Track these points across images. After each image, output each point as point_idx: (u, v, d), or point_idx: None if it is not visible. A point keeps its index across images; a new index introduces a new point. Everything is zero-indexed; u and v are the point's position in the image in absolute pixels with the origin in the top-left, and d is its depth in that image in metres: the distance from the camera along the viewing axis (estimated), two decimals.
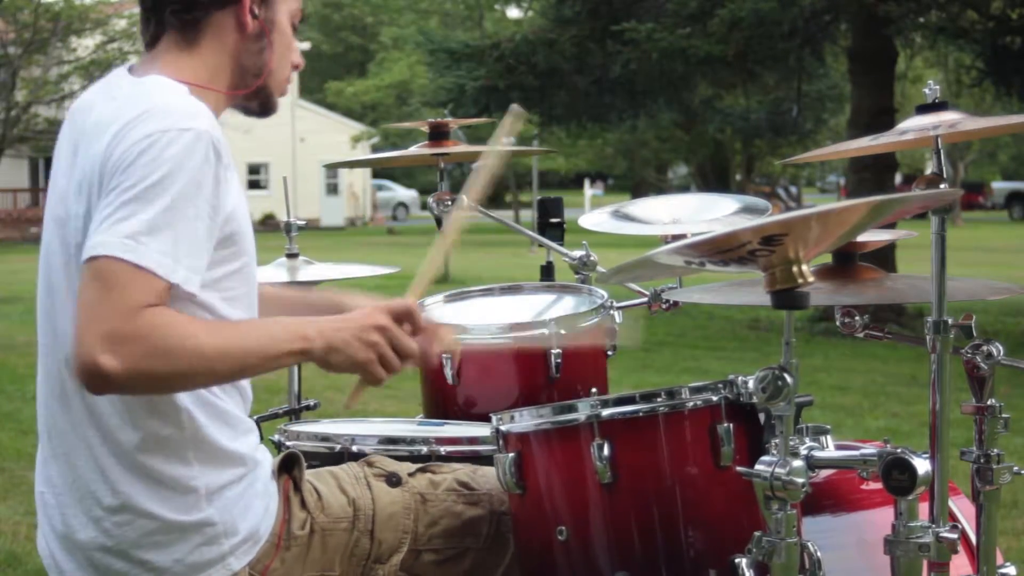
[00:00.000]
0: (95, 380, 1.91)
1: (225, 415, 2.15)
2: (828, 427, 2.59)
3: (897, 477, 2.12)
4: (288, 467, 2.31)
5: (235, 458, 2.17)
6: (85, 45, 25.49)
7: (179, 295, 1.98)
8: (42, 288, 2.18)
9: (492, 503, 2.49)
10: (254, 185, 39.06)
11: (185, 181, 1.98)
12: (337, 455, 2.64)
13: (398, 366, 2.14)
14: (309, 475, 2.35)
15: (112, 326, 1.89)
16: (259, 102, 2.30)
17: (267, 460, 2.27)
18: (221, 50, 2.21)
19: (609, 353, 3.20)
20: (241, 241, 2.13)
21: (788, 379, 2.10)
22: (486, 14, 37.52)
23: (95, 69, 24.45)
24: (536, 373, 3.00)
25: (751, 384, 2.30)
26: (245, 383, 2.22)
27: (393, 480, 2.43)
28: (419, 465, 2.51)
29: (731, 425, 2.33)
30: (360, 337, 2.09)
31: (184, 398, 2.09)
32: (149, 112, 2.03)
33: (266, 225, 31.18)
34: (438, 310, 3.24)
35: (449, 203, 3.45)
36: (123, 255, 1.92)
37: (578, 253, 3.43)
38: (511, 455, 2.41)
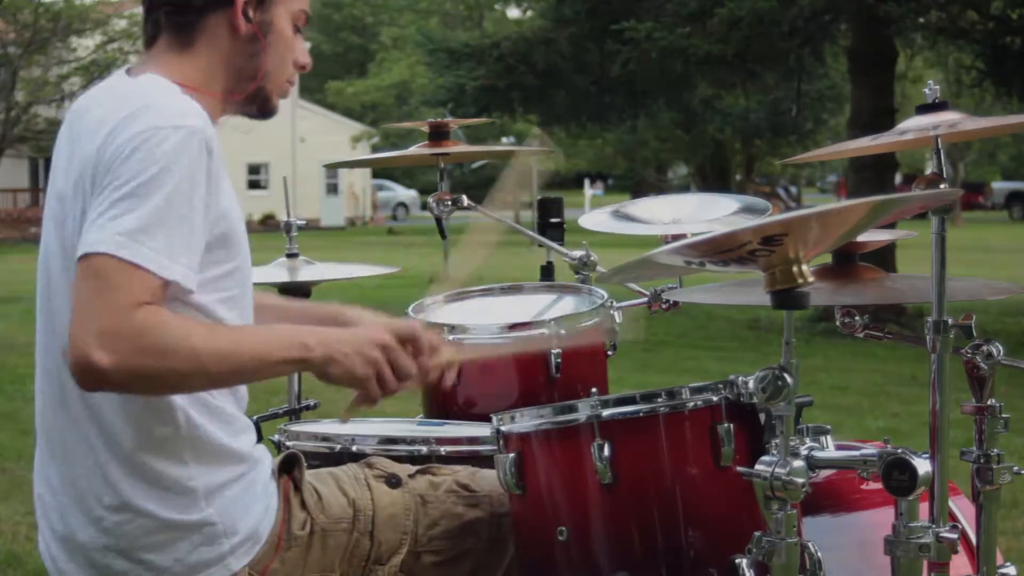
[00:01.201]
0: (88, 376, 1.91)
1: (220, 413, 2.15)
2: (828, 427, 2.59)
3: (897, 477, 2.13)
4: (288, 467, 2.31)
5: (232, 456, 2.16)
6: (85, 45, 25.50)
7: (175, 294, 1.98)
8: (41, 289, 2.18)
9: (492, 505, 2.49)
10: (254, 185, 39.05)
11: (178, 178, 1.97)
12: (337, 455, 2.64)
13: (395, 388, 2.13)
14: (309, 476, 2.35)
15: (106, 323, 1.88)
16: (257, 105, 2.29)
17: (266, 460, 2.27)
18: (214, 53, 2.21)
19: (609, 353, 3.20)
20: (235, 241, 2.12)
21: (788, 379, 2.10)
22: (486, 14, 37.53)
23: (95, 69, 24.48)
24: (536, 373, 3.00)
25: (751, 384, 2.30)
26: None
27: (393, 481, 2.43)
28: (419, 467, 2.51)
29: (731, 425, 2.33)
30: (361, 352, 2.07)
31: (179, 397, 2.09)
32: (141, 110, 2.03)
33: (266, 225, 31.19)
34: (438, 310, 3.24)
35: (449, 203, 3.45)
36: (117, 252, 1.91)
37: (578, 253, 3.42)
38: (511, 455, 2.41)
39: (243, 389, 2.23)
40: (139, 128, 2.00)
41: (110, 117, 2.05)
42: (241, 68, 2.23)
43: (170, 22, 2.19)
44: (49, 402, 2.17)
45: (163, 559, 2.11)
